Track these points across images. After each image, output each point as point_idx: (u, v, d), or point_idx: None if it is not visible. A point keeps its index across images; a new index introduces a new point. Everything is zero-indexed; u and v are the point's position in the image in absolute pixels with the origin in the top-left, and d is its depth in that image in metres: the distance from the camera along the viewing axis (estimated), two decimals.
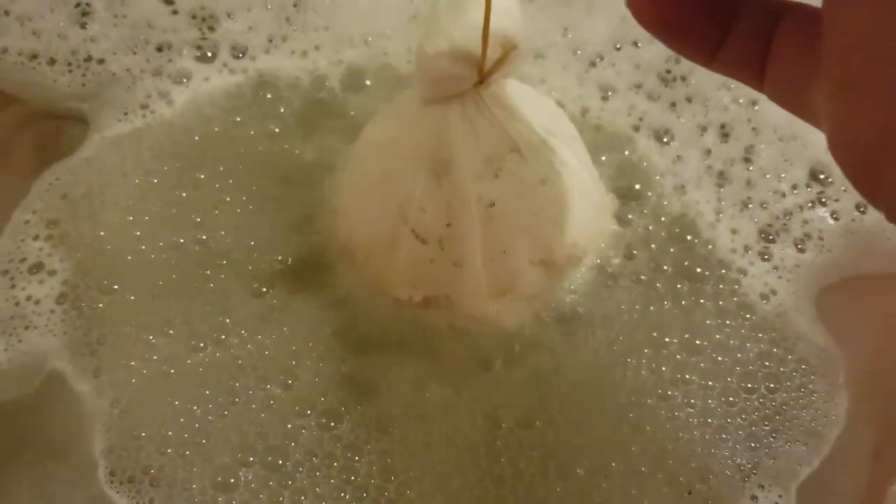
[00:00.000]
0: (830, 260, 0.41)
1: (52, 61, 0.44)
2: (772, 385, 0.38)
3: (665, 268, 0.41)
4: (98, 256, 0.40)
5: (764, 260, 0.41)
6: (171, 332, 0.38)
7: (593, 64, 0.45)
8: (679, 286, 0.40)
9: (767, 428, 0.37)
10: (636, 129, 0.44)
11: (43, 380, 0.38)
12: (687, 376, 0.38)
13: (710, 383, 0.38)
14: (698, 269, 0.41)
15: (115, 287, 0.39)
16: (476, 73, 0.34)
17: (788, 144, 0.43)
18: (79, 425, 0.37)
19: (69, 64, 0.44)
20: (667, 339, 0.39)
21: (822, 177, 0.42)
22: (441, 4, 0.34)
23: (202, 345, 0.38)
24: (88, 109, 0.44)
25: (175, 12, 0.45)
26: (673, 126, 0.44)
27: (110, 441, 0.36)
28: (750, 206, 0.42)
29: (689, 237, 0.41)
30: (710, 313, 0.40)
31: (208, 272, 0.40)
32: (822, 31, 0.21)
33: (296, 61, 0.45)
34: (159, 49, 0.45)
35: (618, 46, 0.45)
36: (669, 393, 0.37)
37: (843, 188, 0.42)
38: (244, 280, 0.40)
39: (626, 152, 0.43)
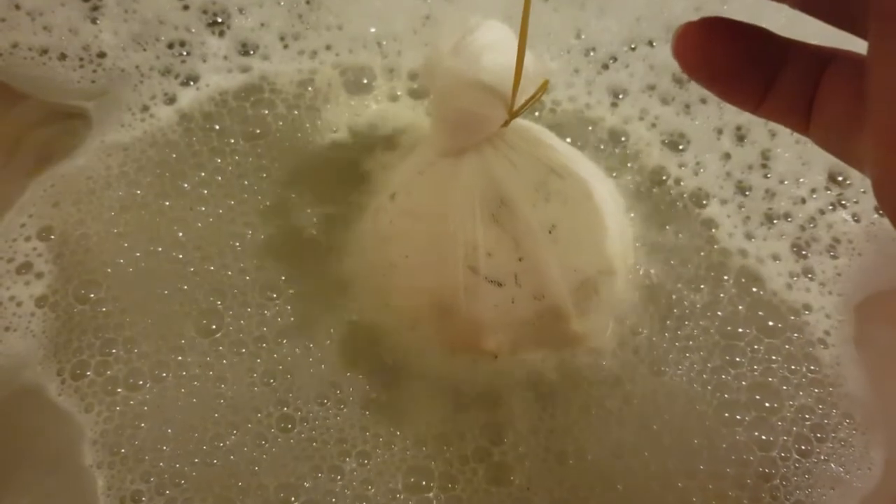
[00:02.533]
0: (863, 264, 0.40)
1: (62, 56, 0.44)
2: (817, 444, 0.37)
3: (703, 304, 0.39)
4: (79, 266, 0.40)
5: (808, 278, 0.40)
6: (136, 350, 0.38)
7: (606, 66, 0.45)
8: (730, 328, 0.39)
9: (813, 489, 0.36)
10: (649, 134, 0.43)
11: (20, 383, 0.38)
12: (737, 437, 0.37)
13: (761, 452, 0.36)
14: (753, 308, 0.40)
15: (91, 296, 0.39)
16: (507, 112, 0.34)
17: (806, 146, 0.42)
18: (55, 432, 0.37)
19: (81, 59, 0.44)
20: (727, 397, 0.38)
21: (840, 179, 0.41)
22: (442, 52, 0.34)
23: (156, 373, 0.38)
24: (93, 109, 0.44)
25: (186, 7, 0.45)
26: (688, 130, 0.43)
27: (96, 455, 0.36)
28: (775, 221, 0.41)
29: (728, 276, 0.40)
30: (773, 362, 0.38)
31: (176, 291, 0.39)
32: (867, 83, 0.21)
33: (304, 62, 0.45)
34: (170, 46, 0.45)
35: (633, 46, 0.44)
36: (721, 470, 0.36)
37: (861, 190, 0.41)
38: (200, 312, 0.39)
39: (641, 160, 0.43)
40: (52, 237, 0.40)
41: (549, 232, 0.36)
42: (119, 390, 0.37)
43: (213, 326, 0.39)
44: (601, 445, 0.36)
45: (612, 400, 0.37)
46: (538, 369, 0.38)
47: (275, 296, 0.39)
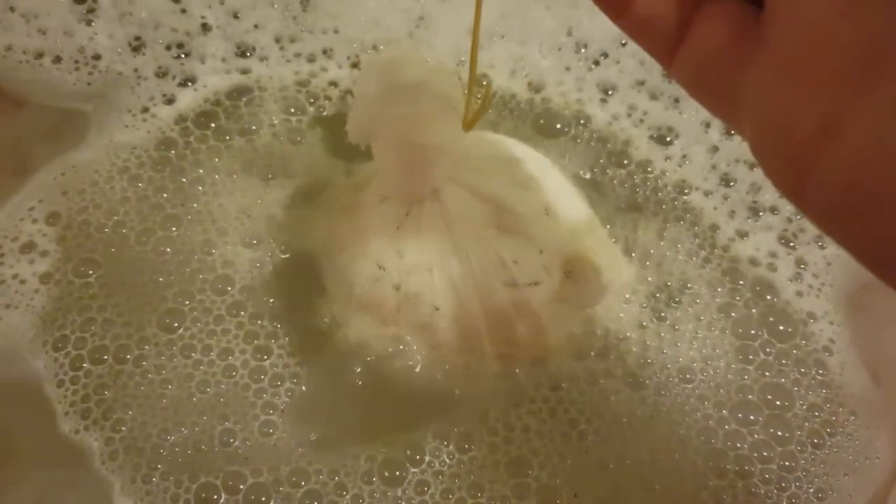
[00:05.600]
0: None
1: (57, 59, 0.44)
2: (828, 438, 0.38)
3: (706, 301, 0.40)
4: (79, 248, 0.40)
5: (800, 267, 0.41)
6: (113, 331, 0.38)
7: (597, 62, 0.46)
8: (738, 330, 0.40)
9: (830, 476, 0.37)
10: (636, 130, 0.44)
11: (19, 363, 0.38)
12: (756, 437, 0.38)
13: (780, 448, 0.38)
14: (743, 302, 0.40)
15: (85, 278, 0.39)
16: (462, 129, 0.34)
17: None
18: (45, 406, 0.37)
19: (76, 62, 0.44)
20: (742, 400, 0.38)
21: None
22: (369, 102, 0.33)
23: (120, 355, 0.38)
24: (92, 111, 0.44)
25: (183, 11, 0.45)
26: (676, 124, 0.44)
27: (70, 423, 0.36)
28: (761, 213, 0.42)
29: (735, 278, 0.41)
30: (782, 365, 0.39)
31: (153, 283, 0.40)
32: (769, 4, 0.18)
33: (302, 65, 0.45)
34: (167, 48, 0.45)
35: (623, 42, 0.45)
36: (746, 468, 0.37)
37: None
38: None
39: (628, 159, 0.43)
40: (55, 226, 0.40)
41: (546, 214, 0.36)
42: (84, 365, 0.37)
43: (175, 324, 0.39)
44: (638, 450, 0.37)
45: (644, 408, 0.38)
46: (567, 394, 0.38)
47: (242, 313, 0.39)
